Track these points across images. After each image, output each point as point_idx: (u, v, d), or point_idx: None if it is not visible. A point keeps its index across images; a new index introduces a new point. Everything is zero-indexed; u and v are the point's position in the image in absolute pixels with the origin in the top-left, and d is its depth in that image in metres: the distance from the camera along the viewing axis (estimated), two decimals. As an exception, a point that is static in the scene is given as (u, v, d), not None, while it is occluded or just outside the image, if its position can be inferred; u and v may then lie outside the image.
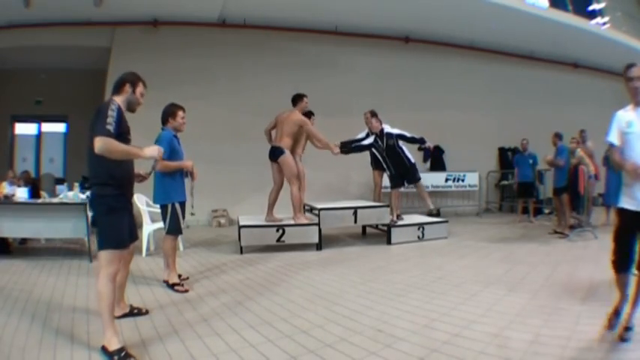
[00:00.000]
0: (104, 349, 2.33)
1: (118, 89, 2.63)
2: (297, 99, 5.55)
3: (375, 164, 6.51)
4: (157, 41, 7.80)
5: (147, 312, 3.08)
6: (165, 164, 3.55)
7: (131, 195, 2.70)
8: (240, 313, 3.10)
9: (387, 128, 6.13)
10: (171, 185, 3.76)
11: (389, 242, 5.89)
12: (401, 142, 6.16)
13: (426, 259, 4.99)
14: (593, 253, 5.16)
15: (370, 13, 8.02)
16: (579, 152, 6.68)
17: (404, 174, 6.28)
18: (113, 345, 2.32)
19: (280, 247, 5.41)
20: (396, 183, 6.31)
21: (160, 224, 4.09)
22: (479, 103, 9.90)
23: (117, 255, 2.48)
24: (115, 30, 7.72)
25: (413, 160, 6.32)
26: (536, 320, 2.83)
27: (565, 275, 4.07)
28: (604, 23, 10.25)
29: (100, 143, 2.29)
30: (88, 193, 5.96)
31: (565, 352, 2.32)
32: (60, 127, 10.25)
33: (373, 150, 6.31)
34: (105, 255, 2.45)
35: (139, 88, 2.68)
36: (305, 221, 5.56)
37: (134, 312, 3.04)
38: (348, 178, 8.58)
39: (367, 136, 6.25)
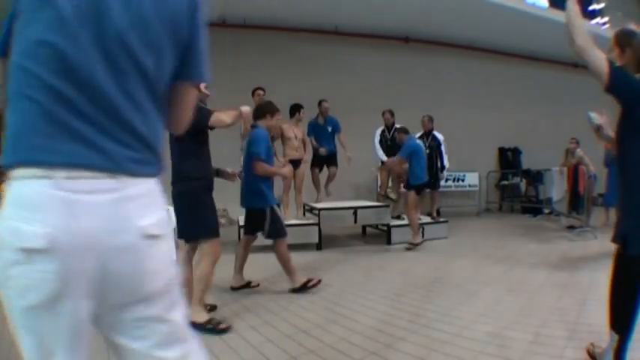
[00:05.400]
0: (194, 324, 2.56)
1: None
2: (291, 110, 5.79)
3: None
4: (157, 41, 7.81)
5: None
6: (266, 168, 3.61)
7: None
8: (240, 312, 3.10)
9: (437, 134, 6.77)
10: (266, 188, 3.68)
11: (389, 242, 5.89)
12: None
13: (425, 259, 5.00)
14: (593, 253, 5.16)
15: (370, 13, 8.01)
16: (579, 152, 6.68)
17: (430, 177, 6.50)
18: (202, 318, 2.69)
19: (280, 247, 5.42)
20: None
21: None
22: (479, 103, 9.88)
23: (218, 242, 2.81)
24: (114, 30, 7.72)
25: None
26: (536, 320, 2.83)
27: (565, 275, 4.07)
28: (604, 23, 10.24)
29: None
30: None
31: (565, 352, 2.32)
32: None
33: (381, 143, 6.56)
34: (208, 244, 2.76)
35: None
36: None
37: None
38: (342, 178, 8.57)
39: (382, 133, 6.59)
